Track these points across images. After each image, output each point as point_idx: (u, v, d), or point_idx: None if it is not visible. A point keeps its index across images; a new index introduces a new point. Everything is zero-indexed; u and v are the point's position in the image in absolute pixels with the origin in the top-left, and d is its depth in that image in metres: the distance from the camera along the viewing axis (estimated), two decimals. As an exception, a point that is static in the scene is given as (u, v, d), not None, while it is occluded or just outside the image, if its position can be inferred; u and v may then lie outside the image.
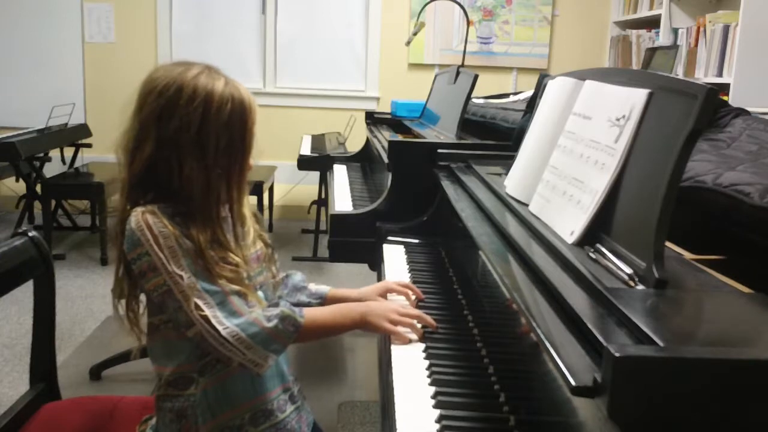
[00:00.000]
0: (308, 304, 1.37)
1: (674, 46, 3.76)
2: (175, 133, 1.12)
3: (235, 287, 1.13)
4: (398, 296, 1.43)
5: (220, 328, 1.09)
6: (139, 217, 1.10)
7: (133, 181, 1.15)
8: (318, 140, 4.43)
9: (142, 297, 1.20)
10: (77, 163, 4.52)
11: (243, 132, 1.17)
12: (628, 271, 0.85)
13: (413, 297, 1.42)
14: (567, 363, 0.72)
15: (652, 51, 3.79)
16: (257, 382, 1.19)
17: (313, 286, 1.42)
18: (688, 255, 0.98)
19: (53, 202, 4.21)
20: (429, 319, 1.28)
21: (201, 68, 1.16)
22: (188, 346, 1.15)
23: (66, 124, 4.34)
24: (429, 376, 1.12)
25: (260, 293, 1.23)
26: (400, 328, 1.24)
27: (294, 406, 1.25)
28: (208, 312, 1.09)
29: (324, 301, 1.40)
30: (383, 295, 1.41)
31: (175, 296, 1.10)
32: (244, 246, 1.21)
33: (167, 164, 1.13)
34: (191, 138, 1.12)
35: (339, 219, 1.99)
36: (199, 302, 1.09)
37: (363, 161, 3.21)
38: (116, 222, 1.17)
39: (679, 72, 3.83)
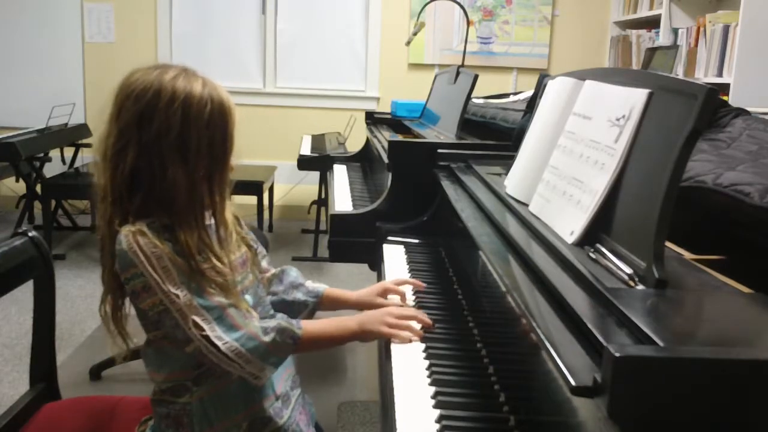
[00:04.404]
0: (304, 302, 1.37)
1: (674, 46, 3.76)
2: (156, 137, 1.11)
3: (230, 300, 1.13)
4: (395, 296, 1.43)
5: (219, 343, 1.09)
6: (130, 238, 1.09)
7: (119, 189, 1.13)
8: (318, 140, 4.42)
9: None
10: (77, 163, 4.52)
11: (224, 133, 1.16)
12: (628, 271, 0.85)
13: (413, 289, 1.43)
14: (567, 363, 0.72)
15: (652, 51, 3.79)
16: (252, 391, 1.18)
17: (310, 284, 1.41)
18: (688, 255, 0.98)
19: (53, 202, 4.21)
20: (426, 318, 1.28)
21: (178, 71, 1.15)
22: (183, 356, 1.15)
23: (66, 124, 4.34)
24: (429, 376, 1.11)
25: (248, 296, 1.22)
26: (399, 331, 1.24)
27: (290, 409, 1.25)
28: (206, 328, 1.09)
29: (320, 299, 1.39)
30: (381, 295, 1.41)
31: (173, 314, 1.09)
32: (228, 251, 1.20)
33: (150, 169, 1.12)
34: (172, 141, 1.11)
35: (339, 219, 1.99)
36: (198, 319, 1.09)
37: (363, 161, 3.21)
38: (104, 234, 1.15)
39: (679, 72, 3.83)
